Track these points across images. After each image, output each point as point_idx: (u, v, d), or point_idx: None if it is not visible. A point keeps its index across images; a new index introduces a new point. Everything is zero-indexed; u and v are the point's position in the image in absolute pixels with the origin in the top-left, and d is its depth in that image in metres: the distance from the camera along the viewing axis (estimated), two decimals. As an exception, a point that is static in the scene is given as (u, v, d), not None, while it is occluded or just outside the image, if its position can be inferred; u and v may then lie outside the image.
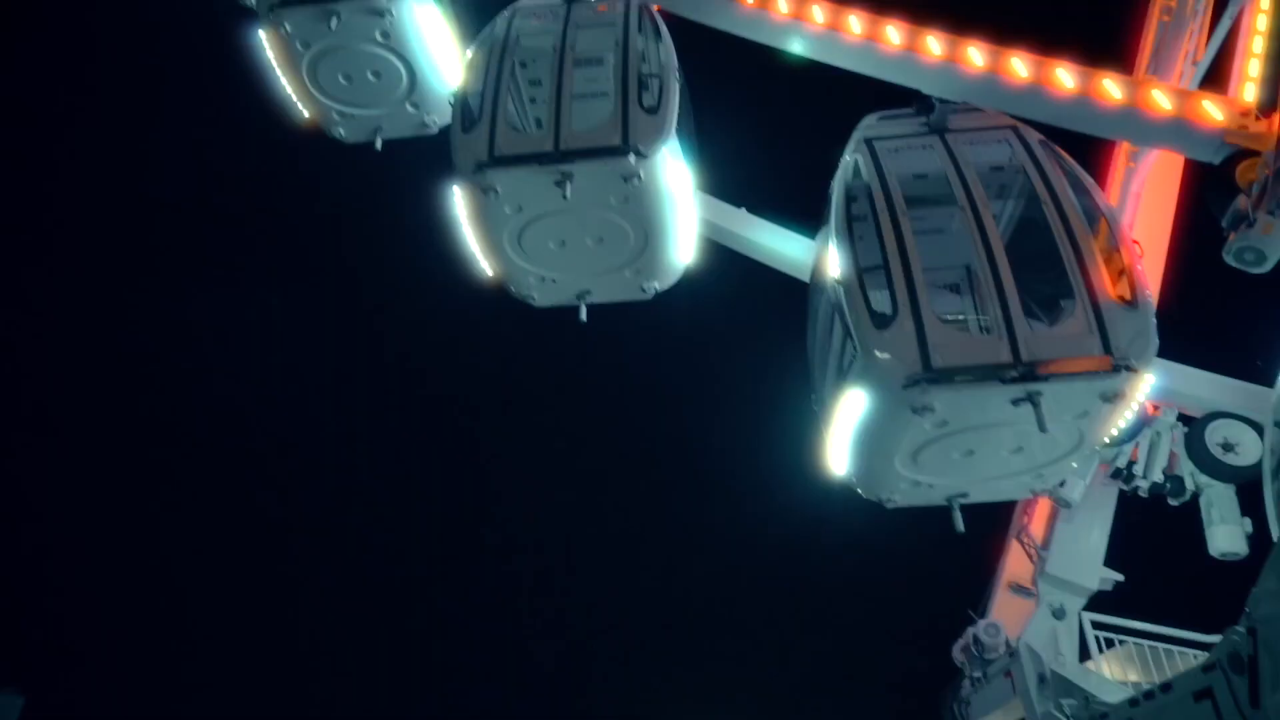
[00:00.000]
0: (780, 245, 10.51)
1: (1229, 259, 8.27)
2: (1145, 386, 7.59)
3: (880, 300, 7.60)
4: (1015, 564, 13.45)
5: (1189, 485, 11.64)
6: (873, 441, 7.79)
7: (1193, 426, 11.53)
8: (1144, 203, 12.91)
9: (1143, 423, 11.86)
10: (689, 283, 9.64)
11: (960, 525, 8.23)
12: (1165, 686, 8.06)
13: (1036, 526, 12.47)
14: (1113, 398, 7.26)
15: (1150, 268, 13.92)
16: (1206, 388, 11.21)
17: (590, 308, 9.54)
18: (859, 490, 8.54)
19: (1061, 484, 11.70)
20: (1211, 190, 8.87)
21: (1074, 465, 8.72)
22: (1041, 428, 7.08)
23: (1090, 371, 7.12)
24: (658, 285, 9.46)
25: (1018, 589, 13.51)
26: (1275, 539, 7.54)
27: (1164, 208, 13.05)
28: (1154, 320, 7.60)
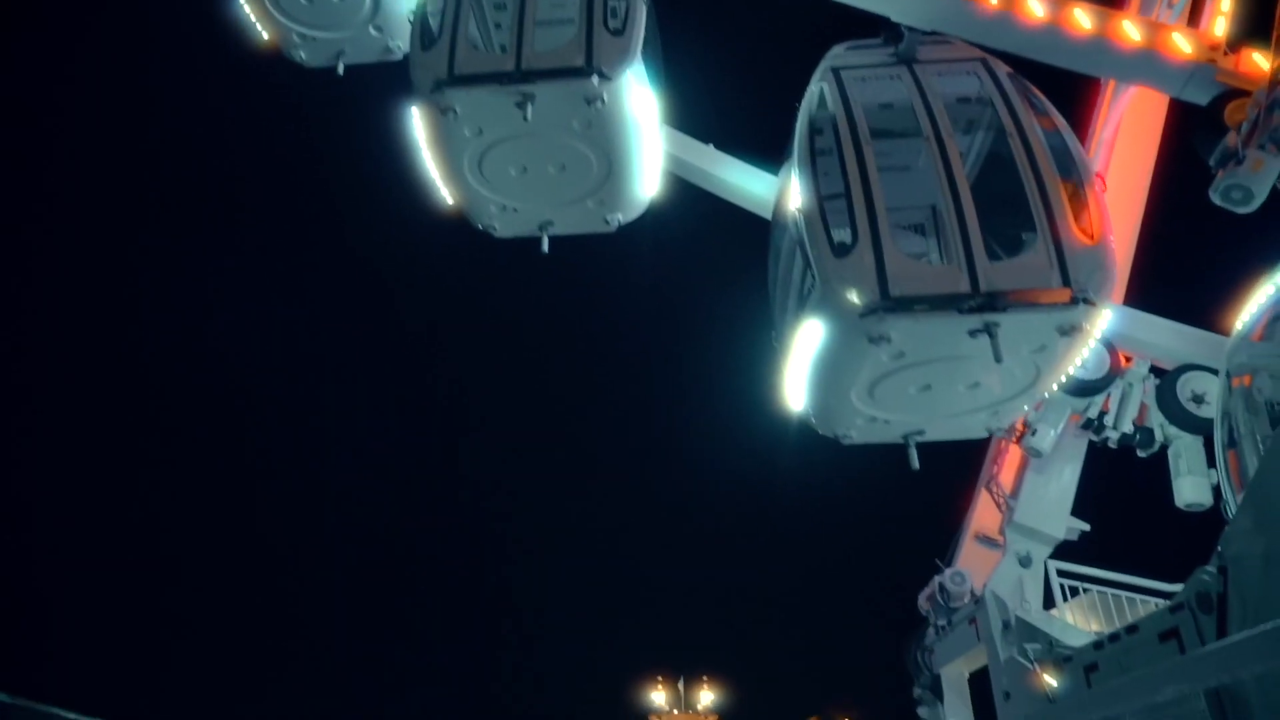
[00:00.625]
0: (747, 183, 10.33)
1: (1216, 198, 8.17)
2: (1103, 323, 7.56)
3: (841, 231, 7.48)
4: (983, 515, 13.46)
5: (1158, 437, 11.64)
6: (829, 374, 7.71)
7: (1164, 379, 11.51)
8: (1124, 151, 12.72)
9: (1115, 374, 11.82)
10: (653, 218, 9.44)
11: (915, 463, 8.22)
12: (1130, 629, 8.02)
13: (1006, 476, 12.45)
14: (1070, 331, 7.21)
15: (1129, 213, 13.80)
16: (1173, 338, 11.18)
17: (553, 240, 9.35)
18: (816, 426, 8.47)
19: (1033, 433, 11.70)
20: (1199, 130, 8.74)
21: (1030, 403, 8.68)
22: (997, 358, 7.03)
23: (1048, 304, 7.06)
24: (621, 217, 9.27)
25: (984, 540, 13.54)
26: (1220, 485, 7.52)
27: (1144, 157, 12.86)
28: (1114, 256, 7.56)
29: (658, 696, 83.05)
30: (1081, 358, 7.96)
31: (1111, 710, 7.52)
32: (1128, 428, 11.77)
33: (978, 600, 11.30)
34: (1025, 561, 11.47)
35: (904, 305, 6.98)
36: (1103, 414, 11.89)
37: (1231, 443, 7.72)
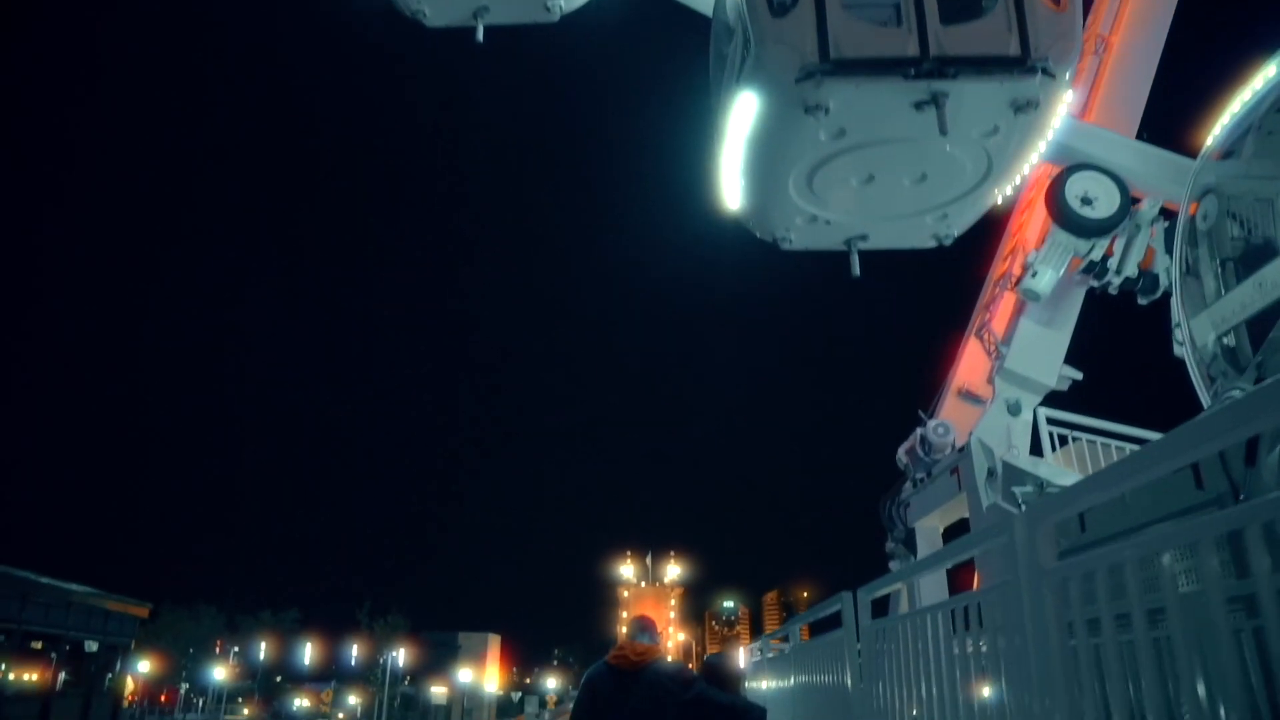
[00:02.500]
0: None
1: None
2: (1061, 105, 6.76)
3: None
4: (967, 369, 12.83)
5: (1163, 282, 10.91)
6: (765, 156, 6.90)
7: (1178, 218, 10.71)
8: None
9: (1124, 214, 10.94)
10: (595, 15, 8.07)
11: (857, 269, 7.53)
12: None
13: (999, 322, 11.69)
14: (1025, 107, 6.39)
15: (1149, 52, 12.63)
16: (1133, 157, 10.44)
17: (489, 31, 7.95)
18: (753, 229, 7.68)
19: (1033, 275, 10.88)
20: None
21: (980, 207, 7.92)
22: (942, 130, 6.20)
23: (1003, 71, 6.23)
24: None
25: (967, 395, 12.97)
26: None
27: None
28: (1080, 25, 6.74)
29: (626, 570, 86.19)
30: (1037, 151, 7.16)
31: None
32: (1132, 271, 11.01)
33: (961, 449, 10.71)
34: (1014, 409, 10.85)
35: (844, 68, 6.11)
36: (1106, 257, 11.10)
37: (1188, 271, 7.00)
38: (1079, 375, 11.34)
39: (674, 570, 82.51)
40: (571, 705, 5.57)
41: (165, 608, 76.16)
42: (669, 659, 5.57)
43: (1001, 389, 11.12)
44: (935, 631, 4.03)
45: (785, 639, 9.46)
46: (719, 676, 5.50)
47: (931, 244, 8.89)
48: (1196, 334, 6.46)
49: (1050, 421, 10.51)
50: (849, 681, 5.49)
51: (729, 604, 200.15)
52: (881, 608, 5.76)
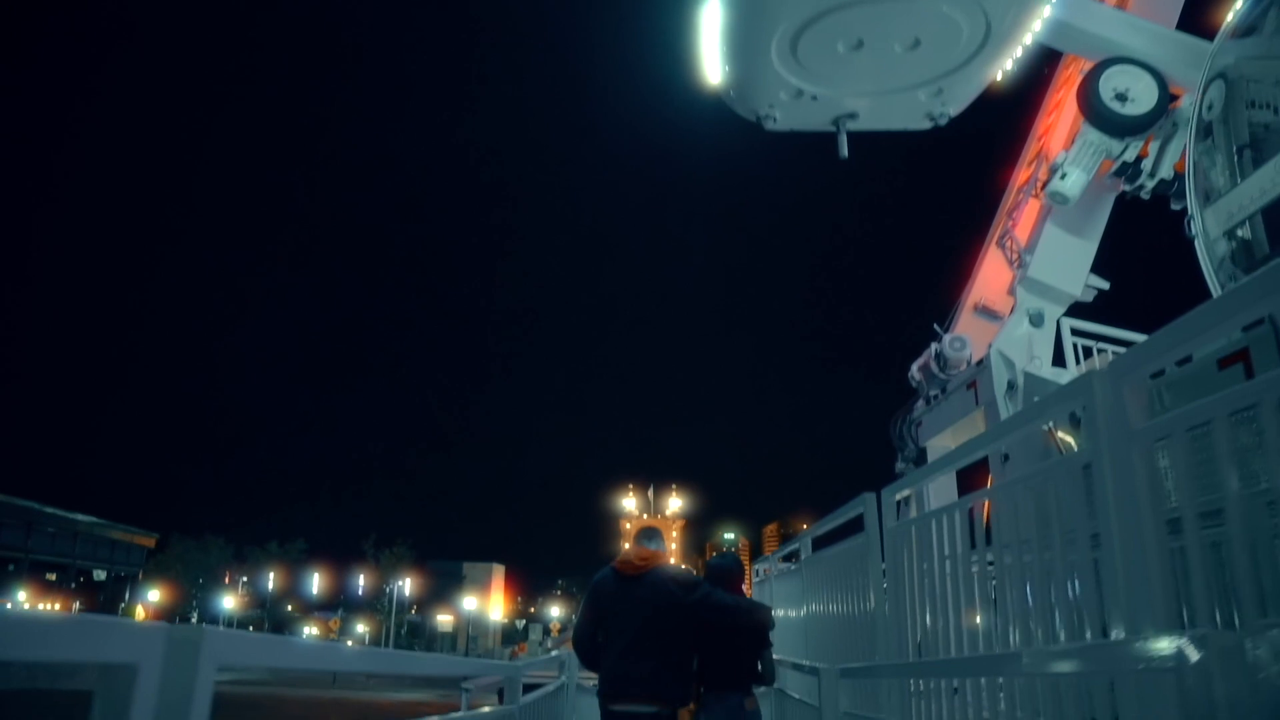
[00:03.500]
0: None
1: None
2: None
3: None
4: (985, 282, 12.20)
5: (1199, 185, 10.23)
6: (746, 15, 6.44)
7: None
8: None
9: (1162, 111, 10.19)
10: None
11: (844, 150, 7.12)
12: (1183, 360, 6.83)
13: (1022, 229, 11.05)
14: None
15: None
16: (1171, 48, 9.72)
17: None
18: (735, 106, 7.21)
19: (1062, 177, 10.18)
20: None
21: (977, 83, 7.65)
22: None
23: None
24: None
25: (984, 311, 12.38)
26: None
27: None
28: None
29: (628, 502, 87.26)
30: (1039, 15, 6.67)
31: None
32: (1167, 174, 10.30)
33: (979, 364, 10.20)
34: (1036, 320, 10.30)
35: None
36: (1140, 159, 10.38)
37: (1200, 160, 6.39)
38: (1106, 285, 10.75)
39: (675, 503, 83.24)
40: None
41: (174, 539, 77.33)
42: (674, 564, 5.59)
43: (1024, 299, 10.55)
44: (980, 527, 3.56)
45: (793, 557, 9.08)
46: (722, 578, 5.47)
47: (926, 125, 8.33)
48: (1209, 226, 5.94)
49: (1075, 333, 9.99)
50: (872, 598, 5.07)
51: (729, 536, 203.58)
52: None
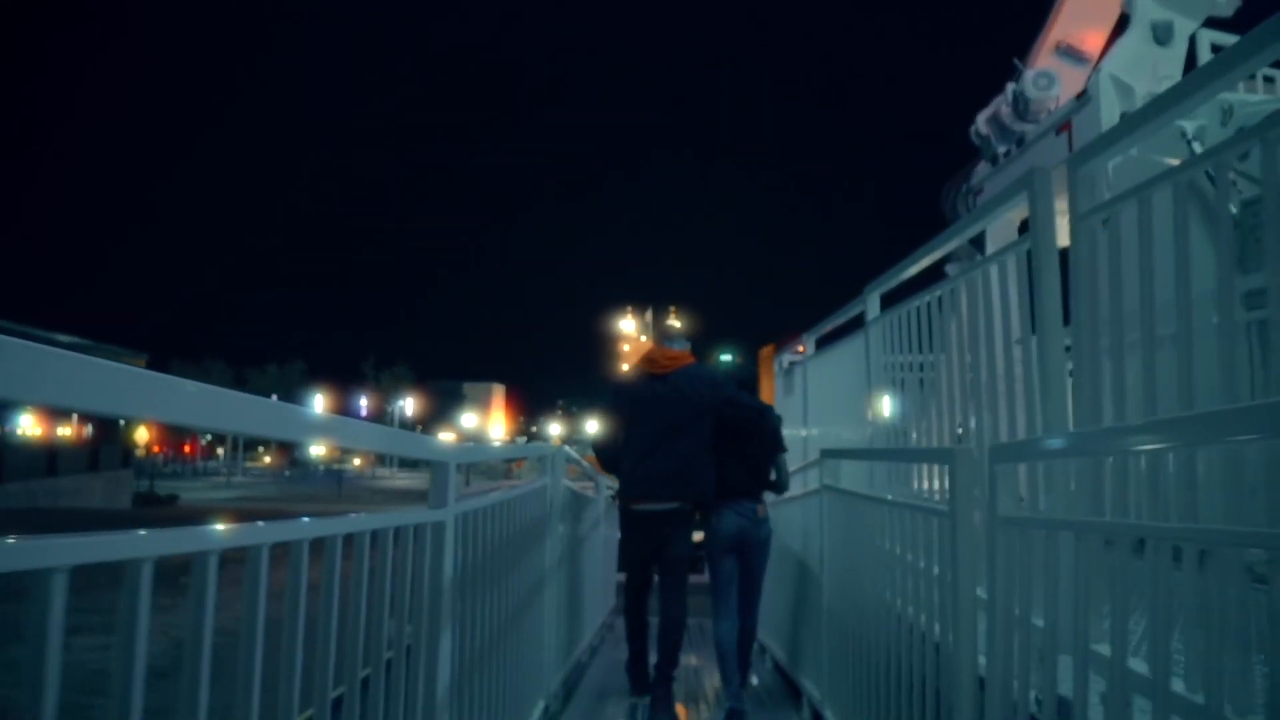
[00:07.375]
0: None
1: None
2: None
3: None
4: (1074, 12, 9.42)
5: None
6: None
7: None
8: None
9: None
10: None
11: None
12: None
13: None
14: None
15: None
16: None
17: None
18: None
19: None
20: None
21: None
22: None
23: None
24: None
25: (1069, 53, 9.67)
26: None
27: None
28: None
29: (627, 325, 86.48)
30: None
31: None
32: None
33: (1080, 96, 7.69)
34: (1162, 35, 7.70)
35: None
36: None
37: None
38: (1258, -12, 8.01)
39: (674, 325, 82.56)
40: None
41: (174, 362, 77.04)
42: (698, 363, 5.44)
43: (1143, 8, 7.85)
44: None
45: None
46: (746, 383, 5.70)
47: None
48: None
49: (1217, 49, 7.44)
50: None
51: (726, 357, 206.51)
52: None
